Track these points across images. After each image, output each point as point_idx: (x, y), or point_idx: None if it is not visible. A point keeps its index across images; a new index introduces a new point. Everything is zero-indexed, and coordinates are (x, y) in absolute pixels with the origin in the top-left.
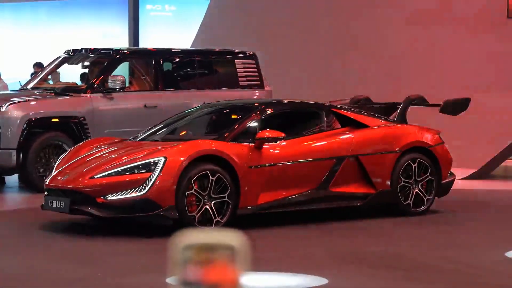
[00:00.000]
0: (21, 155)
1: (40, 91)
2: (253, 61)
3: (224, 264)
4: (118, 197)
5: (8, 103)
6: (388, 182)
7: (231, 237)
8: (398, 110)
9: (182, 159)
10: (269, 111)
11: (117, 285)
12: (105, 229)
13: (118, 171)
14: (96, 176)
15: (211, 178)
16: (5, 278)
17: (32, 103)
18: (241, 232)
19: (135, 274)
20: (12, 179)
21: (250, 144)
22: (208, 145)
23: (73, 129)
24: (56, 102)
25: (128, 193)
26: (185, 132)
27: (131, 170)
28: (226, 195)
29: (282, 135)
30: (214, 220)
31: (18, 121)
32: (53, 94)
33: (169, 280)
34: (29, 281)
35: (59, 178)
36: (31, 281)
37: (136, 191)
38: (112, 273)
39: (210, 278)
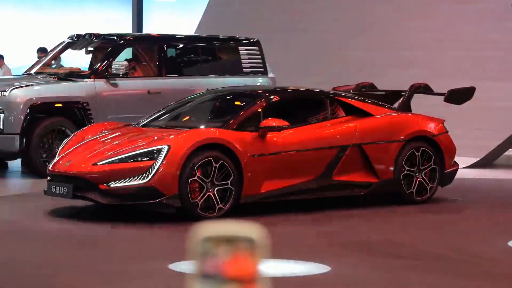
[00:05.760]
0: (24, 140)
1: (44, 76)
2: (257, 48)
3: (244, 257)
4: (121, 184)
5: (12, 88)
6: (392, 171)
7: (250, 230)
8: (403, 98)
9: (186, 147)
10: (273, 99)
11: (119, 271)
12: (108, 215)
13: (121, 158)
14: (99, 163)
15: (214, 165)
16: (8, 262)
17: (36, 88)
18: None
19: (138, 260)
20: (15, 164)
21: (254, 132)
22: (212, 133)
23: (77, 115)
24: (59, 87)
25: (131, 180)
26: (188, 118)
27: (135, 158)
28: (229, 182)
29: (286, 124)
30: (217, 207)
31: (21, 106)
32: (56, 79)
33: (172, 266)
34: (31, 266)
35: (63, 163)
36: (34, 266)
37: (139, 178)
38: (114, 259)
39: (229, 271)
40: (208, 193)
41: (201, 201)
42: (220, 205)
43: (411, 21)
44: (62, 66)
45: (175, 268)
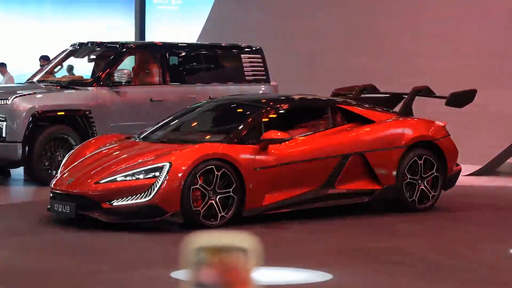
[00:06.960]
0: (27, 148)
1: (46, 84)
2: (259, 56)
3: (237, 266)
4: (124, 202)
5: (14, 96)
6: (394, 177)
7: (243, 239)
8: (404, 101)
9: (187, 163)
10: (274, 109)
11: (122, 279)
12: (110, 223)
13: (123, 176)
14: (101, 181)
15: (216, 173)
16: (10, 270)
17: (38, 96)
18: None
19: (140, 267)
20: (18, 172)
21: (256, 145)
22: (214, 149)
23: (79, 123)
24: (62, 95)
25: (133, 198)
26: (190, 130)
27: (137, 176)
28: (231, 190)
29: (287, 136)
30: (219, 215)
31: (23, 114)
32: (59, 87)
33: (174, 274)
34: (33, 273)
35: (65, 181)
36: (35, 274)
37: (142, 196)
38: (117, 266)
39: (223, 280)
40: (210, 201)
41: (203, 209)
42: (223, 213)
43: (414, 27)
44: (73, 73)
45: (177, 276)
